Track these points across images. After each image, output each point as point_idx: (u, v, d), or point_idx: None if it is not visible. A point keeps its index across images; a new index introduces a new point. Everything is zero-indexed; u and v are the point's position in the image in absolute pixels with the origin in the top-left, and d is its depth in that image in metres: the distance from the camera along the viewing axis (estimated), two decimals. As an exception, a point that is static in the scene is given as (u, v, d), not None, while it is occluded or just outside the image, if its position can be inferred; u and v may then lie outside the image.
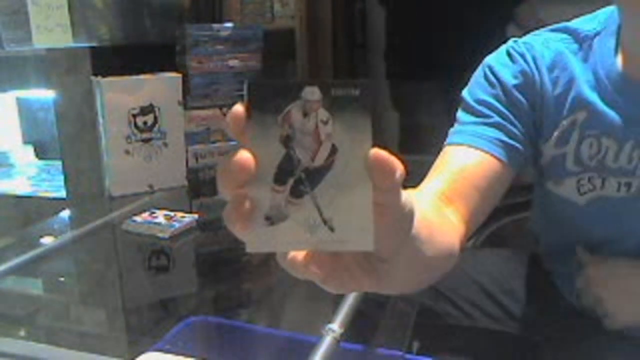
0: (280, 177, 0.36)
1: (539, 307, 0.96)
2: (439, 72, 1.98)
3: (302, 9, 2.04)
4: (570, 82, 0.81)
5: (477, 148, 0.78)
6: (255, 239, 0.37)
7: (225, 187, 0.36)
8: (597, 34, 0.82)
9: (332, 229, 0.37)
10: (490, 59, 0.85)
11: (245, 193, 0.36)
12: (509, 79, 0.81)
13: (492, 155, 0.78)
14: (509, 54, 0.83)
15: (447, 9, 1.93)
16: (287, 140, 0.36)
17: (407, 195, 0.41)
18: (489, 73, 0.83)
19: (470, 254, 1.12)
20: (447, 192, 0.74)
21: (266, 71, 1.71)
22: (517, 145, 0.80)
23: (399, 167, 0.37)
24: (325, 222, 0.37)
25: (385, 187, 0.37)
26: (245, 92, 0.35)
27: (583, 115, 0.80)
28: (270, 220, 0.36)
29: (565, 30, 0.84)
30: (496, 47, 0.88)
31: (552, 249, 0.97)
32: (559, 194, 0.85)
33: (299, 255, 0.39)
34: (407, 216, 0.42)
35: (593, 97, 0.79)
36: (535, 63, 0.82)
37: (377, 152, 0.36)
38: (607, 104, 0.79)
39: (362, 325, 0.80)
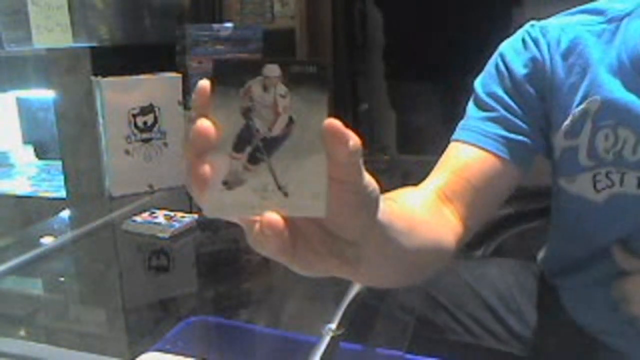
0: (239, 145, 0.39)
1: (543, 327, 0.93)
2: (437, 72, 1.98)
3: (302, 9, 2.04)
4: (586, 69, 0.76)
5: (478, 146, 0.78)
6: (212, 204, 0.39)
7: (187, 152, 0.38)
8: (628, 14, 0.76)
9: (286, 195, 0.39)
10: (504, 46, 0.83)
11: (205, 159, 0.38)
12: (519, 69, 0.80)
13: (493, 153, 0.77)
14: (523, 40, 0.81)
15: (445, 10, 1.93)
16: (247, 112, 0.38)
17: (372, 181, 0.43)
18: (500, 63, 0.82)
19: (477, 265, 1.09)
20: (445, 191, 0.75)
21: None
22: (524, 139, 0.78)
23: (352, 138, 0.38)
24: (279, 187, 0.39)
25: (339, 156, 0.38)
26: (212, 69, 0.38)
27: (596, 104, 0.75)
28: (228, 185, 0.39)
29: (591, 11, 0.80)
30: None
31: (561, 262, 0.92)
32: (572, 192, 0.80)
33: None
34: (370, 198, 0.43)
35: (611, 83, 0.74)
36: (548, 50, 0.79)
37: (331, 121, 0.38)
38: (628, 89, 0.73)
39: (362, 325, 0.80)
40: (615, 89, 0.73)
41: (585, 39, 0.77)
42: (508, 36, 0.85)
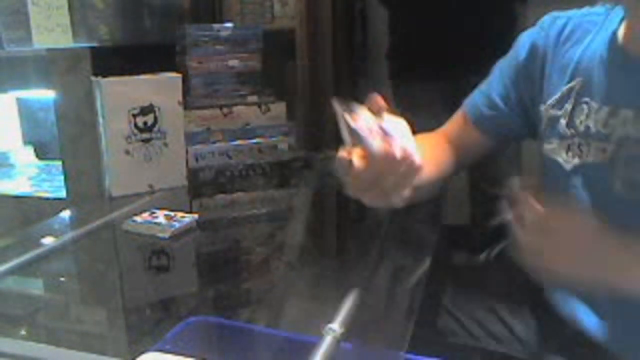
0: None
1: (544, 329, 0.93)
2: (438, 73, 1.97)
3: (302, 9, 2.04)
4: (577, 52, 0.88)
5: (462, 112, 1.03)
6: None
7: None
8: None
9: None
10: (524, 33, 0.97)
11: None
12: (522, 52, 0.95)
13: (468, 119, 1.01)
14: (536, 27, 0.95)
15: (447, 11, 1.93)
16: None
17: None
18: (514, 46, 0.98)
19: (479, 268, 1.10)
20: (445, 137, 1.04)
21: (266, 71, 1.71)
22: (494, 113, 0.98)
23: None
24: None
25: None
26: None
27: (580, 84, 0.86)
28: None
29: (598, 7, 0.90)
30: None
31: None
32: (549, 155, 0.89)
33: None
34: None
35: (594, 65, 0.85)
36: (552, 34, 0.92)
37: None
38: (605, 68, 0.83)
39: (362, 325, 0.80)
40: (596, 70, 0.84)
41: (584, 28, 0.89)
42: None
